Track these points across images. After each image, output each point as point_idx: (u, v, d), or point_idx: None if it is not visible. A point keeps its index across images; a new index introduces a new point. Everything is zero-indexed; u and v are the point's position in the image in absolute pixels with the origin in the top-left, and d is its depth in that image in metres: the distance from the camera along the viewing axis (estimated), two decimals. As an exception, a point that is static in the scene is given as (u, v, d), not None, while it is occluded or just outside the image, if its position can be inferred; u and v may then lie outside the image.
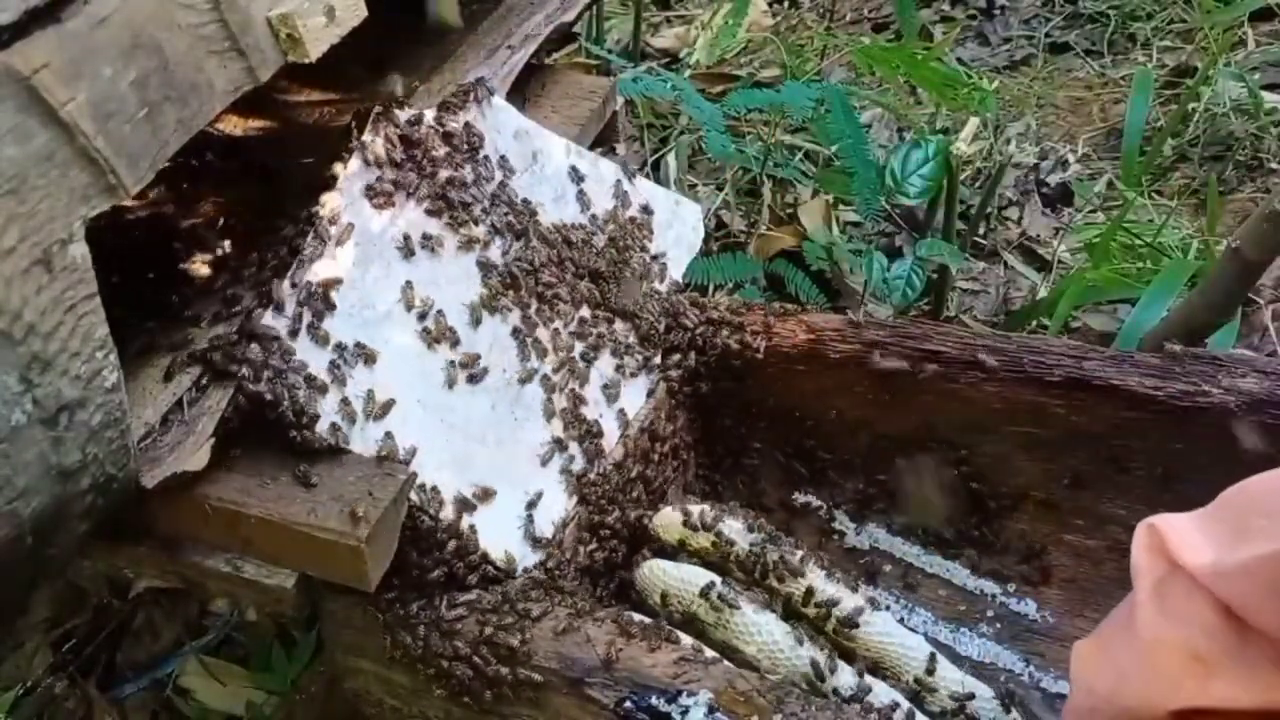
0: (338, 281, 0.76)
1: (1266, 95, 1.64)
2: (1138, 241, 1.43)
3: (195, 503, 0.70)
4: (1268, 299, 1.30)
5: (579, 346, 0.89)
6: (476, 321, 0.83)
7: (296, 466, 0.71)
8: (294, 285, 0.74)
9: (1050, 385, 0.85)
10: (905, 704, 0.75)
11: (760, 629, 0.77)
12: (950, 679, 0.79)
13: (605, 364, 0.90)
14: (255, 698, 1.06)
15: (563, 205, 0.91)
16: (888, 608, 0.86)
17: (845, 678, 0.75)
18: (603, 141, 1.03)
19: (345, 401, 0.74)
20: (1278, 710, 0.56)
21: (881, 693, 0.75)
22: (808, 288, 1.35)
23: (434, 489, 0.76)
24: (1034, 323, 1.35)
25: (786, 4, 2.01)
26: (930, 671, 0.78)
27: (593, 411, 0.88)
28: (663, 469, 0.93)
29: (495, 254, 0.85)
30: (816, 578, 0.81)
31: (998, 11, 1.98)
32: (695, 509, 0.86)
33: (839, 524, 0.96)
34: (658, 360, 0.94)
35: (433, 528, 0.75)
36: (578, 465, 0.86)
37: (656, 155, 1.56)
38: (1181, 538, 0.61)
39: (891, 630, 0.80)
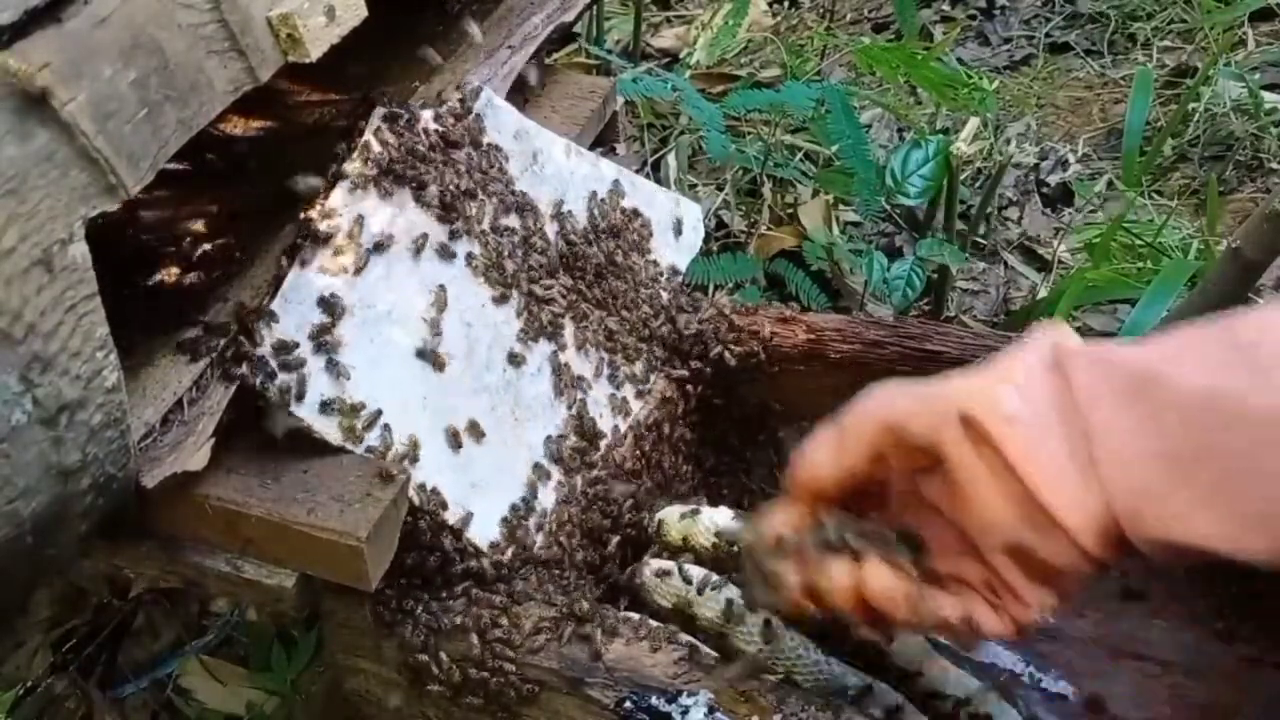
0: (337, 282, 0.76)
1: (1266, 95, 1.64)
2: (1138, 241, 1.43)
3: (195, 503, 0.70)
4: (1267, 299, 1.30)
5: (578, 347, 0.89)
6: (476, 322, 0.83)
7: (301, 466, 0.71)
8: (294, 286, 0.74)
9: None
10: (907, 706, 0.75)
11: (759, 626, 0.77)
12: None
13: (605, 365, 0.90)
14: (255, 698, 1.06)
15: (563, 205, 0.91)
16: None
17: (851, 680, 0.75)
18: (603, 142, 1.03)
19: (345, 401, 0.74)
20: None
21: (881, 693, 0.75)
22: (808, 288, 1.35)
23: (434, 489, 0.76)
24: (1034, 323, 1.35)
25: (786, 4, 2.01)
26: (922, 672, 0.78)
27: (593, 412, 0.88)
28: (663, 469, 0.93)
29: (495, 255, 0.85)
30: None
31: (998, 11, 1.98)
32: (695, 509, 0.86)
33: (839, 524, 0.96)
34: (658, 361, 0.94)
35: (432, 528, 0.76)
36: (578, 466, 0.86)
37: (656, 155, 1.56)
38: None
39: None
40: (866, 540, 0.62)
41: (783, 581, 0.62)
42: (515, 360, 0.84)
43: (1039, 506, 0.54)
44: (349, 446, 0.73)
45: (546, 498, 0.84)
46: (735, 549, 0.83)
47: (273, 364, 0.72)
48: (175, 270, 0.83)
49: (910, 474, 0.62)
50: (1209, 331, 0.53)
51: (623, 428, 0.90)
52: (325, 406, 0.73)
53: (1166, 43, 1.84)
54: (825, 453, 0.62)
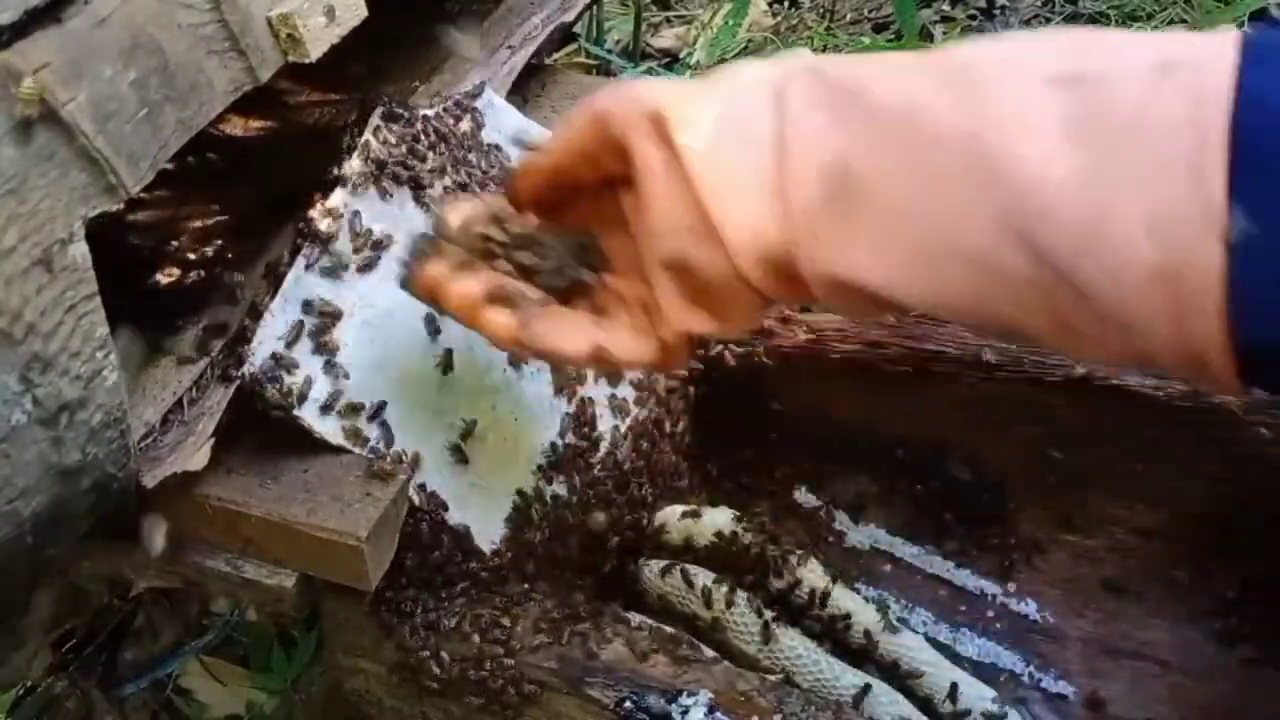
0: (337, 282, 0.76)
1: (1266, 95, 1.64)
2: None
3: (195, 503, 0.70)
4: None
5: (579, 346, 0.89)
6: (476, 321, 0.83)
7: (301, 466, 0.71)
8: (293, 286, 0.74)
9: (1050, 385, 0.85)
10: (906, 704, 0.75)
11: (760, 626, 0.77)
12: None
13: (605, 364, 0.90)
14: (255, 698, 1.07)
15: (563, 205, 0.91)
16: (888, 606, 0.86)
17: (849, 679, 0.76)
18: (603, 142, 1.03)
19: (345, 401, 0.74)
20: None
21: (882, 693, 0.75)
22: (808, 288, 1.35)
23: (433, 490, 0.76)
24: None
25: (786, 4, 2.01)
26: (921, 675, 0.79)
27: (592, 412, 0.88)
28: (663, 470, 0.93)
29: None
30: (815, 575, 0.81)
31: (998, 12, 1.98)
32: (695, 510, 0.86)
33: (839, 524, 0.96)
34: (658, 360, 0.94)
35: (432, 528, 0.76)
36: (578, 466, 0.86)
37: (656, 155, 1.56)
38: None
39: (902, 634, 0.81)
40: (534, 253, 0.61)
41: (427, 263, 0.63)
42: (515, 361, 0.84)
43: (704, 215, 0.51)
44: (349, 446, 0.74)
45: (546, 498, 0.84)
46: (732, 547, 0.83)
47: (272, 364, 0.72)
48: (175, 270, 0.83)
49: (611, 182, 0.58)
50: (930, 54, 0.48)
51: (623, 428, 0.90)
52: (325, 407, 0.73)
53: (1166, 43, 1.84)
54: (545, 146, 0.60)
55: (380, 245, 0.78)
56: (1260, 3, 1.77)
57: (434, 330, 0.80)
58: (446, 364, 0.80)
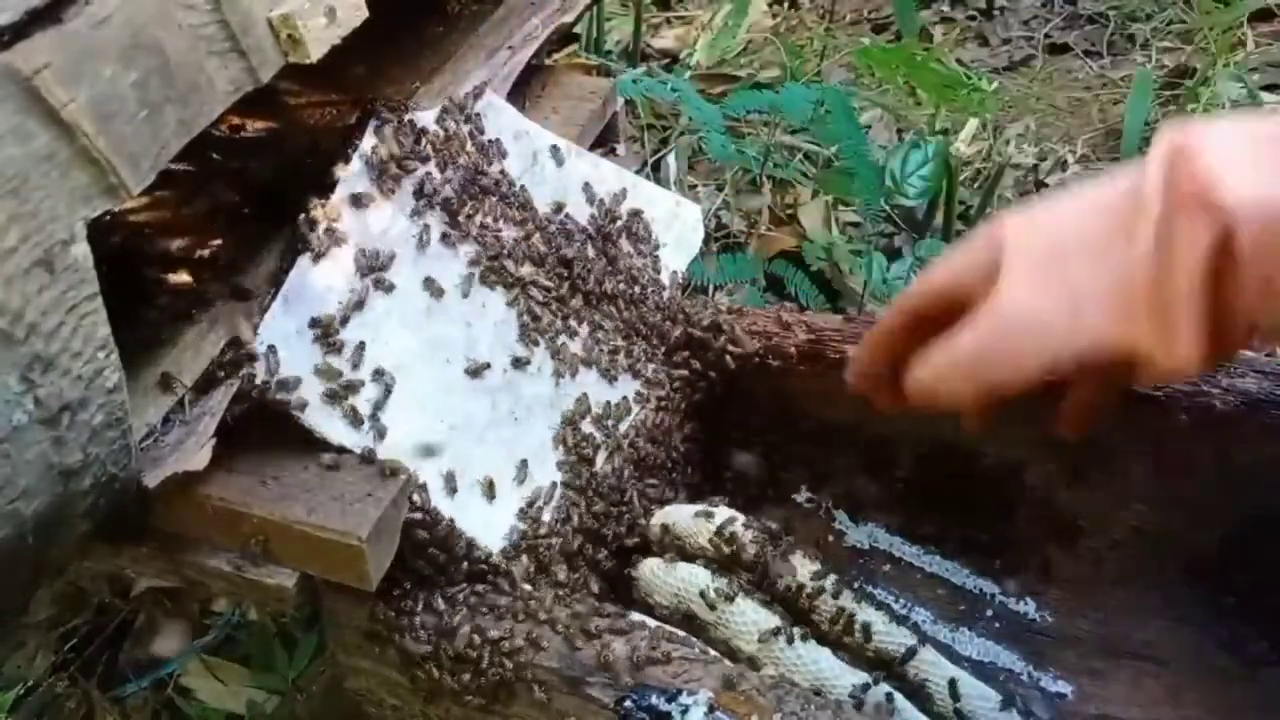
0: (336, 282, 0.76)
1: (1266, 96, 1.64)
2: (1137, 242, 1.43)
3: (196, 503, 0.70)
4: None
5: (579, 347, 0.89)
6: (476, 321, 0.83)
7: (301, 466, 0.71)
8: (294, 286, 0.74)
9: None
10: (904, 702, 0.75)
11: (760, 626, 0.77)
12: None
13: (604, 364, 0.90)
14: (256, 697, 1.07)
15: (562, 206, 0.91)
16: (887, 606, 0.86)
17: (849, 679, 0.76)
18: (603, 142, 1.03)
19: (344, 401, 0.74)
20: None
21: (880, 692, 0.75)
22: (808, 288, 1.35)
23: (434, 490, 0.76)
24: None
25: (786, 4, 2.01)
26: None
27: (592, 412, 0.88)
28: (662, 469, 0.93)
29: (495, 255, 0.85)
30: (813, 574, 0.81)
31: (997, 12, 1.98)
32: (694, 508, 0.86)
33: (839, 523, 0.96)
34: (658, 361, 0.94)
35: (432, 528, 0.76)
36: (577, 466, 0.86)
37: (656, 156, 1.56)
38: (1220, 162, 0.51)
39: (891, 629, 0.81)
40: None
41: None
42: (515, 360, 0.84)
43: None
44: (349, 446, 0.74)
45: (547, 497, 0.84)
46: (732, 546, 0.83)
47: (272, 364, 0.72)
48: (175, 270, 0.83)
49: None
50: None
51: (623, 428, 0.90)
52: (325, 407, 0.73)
53: (1166, 43, 1.85)
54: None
55: (380, 246, 0.79)
56: (1260, 3, 1.78)
57: (434, 330, 0.80)
58: (448, 363, 0.80)
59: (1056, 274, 0.57)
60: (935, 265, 0.66)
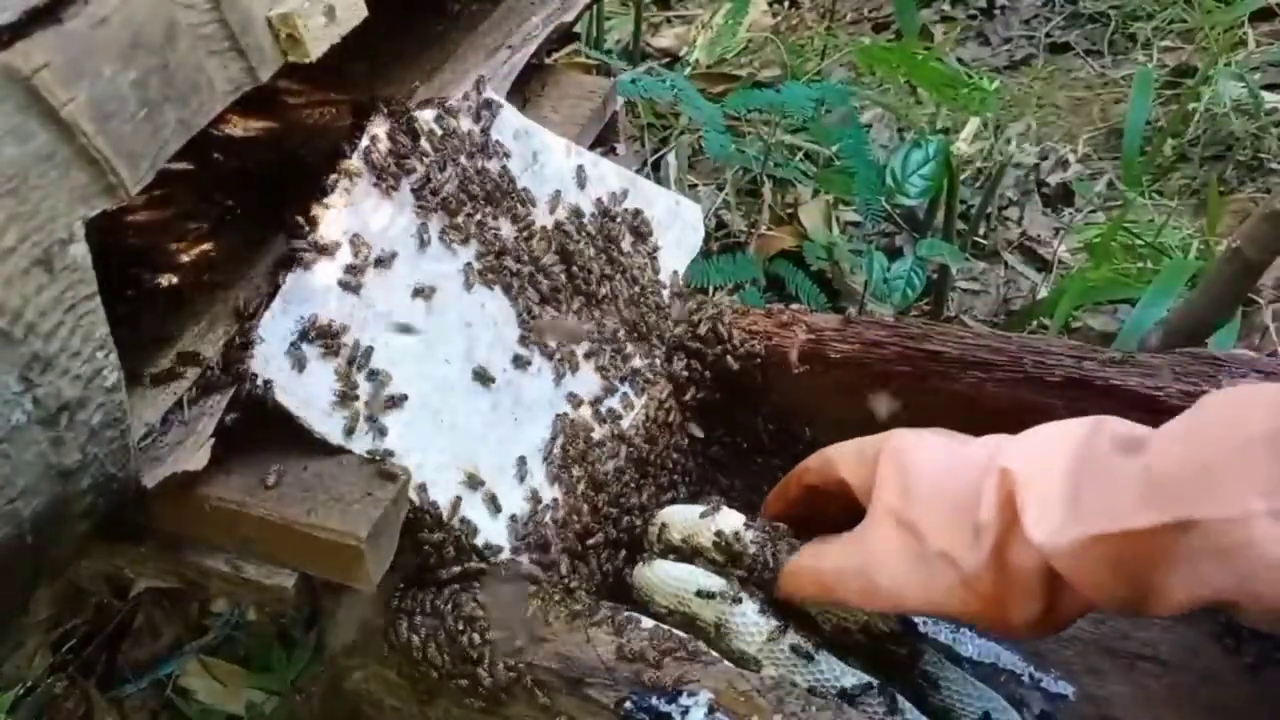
0: (335, 282, 0.76)
1: (1267, 95, 1.64)
2: (1138, 241, 1.43)
3: (195, 503, 0.70)
4: (1268, 299, 1.30)
5: (578, 347, 0.89)
6: (476, 321, 0.83)
7: (301, 466, 0.71)
8: (293, 286, 0.74)
9: (1051, 385, 0.85)
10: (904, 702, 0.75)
11: (761, 627, 0.77)
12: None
13: (605, 364, 0.90)
14: (255, 698, 1.06)
15: (563, 206, 0.91)
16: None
17: (849, 679, 0.75)
18: (603, 141, 1.03)
19: (344, 401, 0.74)
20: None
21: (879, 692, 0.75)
22: (808, 288, 1.35)
23: (434, 490, 0.76)
24: (1034, 323, 1.35)
25: (786, 4, 2.01)
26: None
27: (592, 412, 0.88)
28: (662, 470, 0.93)
29: (496, 254, 0.85)
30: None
31: (998, 11, 1.98)
32: (695, 508, 0.85)
33: (839, 524, 0.96)
34: (657, 361, 0.94)
35: (432, 528, 0.76)
36: (579, 466, 0.86)
37: (656, 155, 1.56)
38: (1032, 497, 0.62)
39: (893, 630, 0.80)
40: None
41: None
42: (515, 360, 0.84)
43: None
44: (349, 446, 0.73)
45: (546, 498, 0.84)
46: (733, 547, 0.83)
47: (271, 364, 0.72)
48: (175, 270, 0.83)
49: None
50: None
51: (622, 428, 0.90)
52: (325, 407, 0.73)
53: (1167, 43, 1.85)
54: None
55: (379, 246, 0.78)
56: (1260, 2, 1.78)
57: (433, 330, 0.80)
58: (447, 363, 0.80)
59: (919, 519, 0.68)
60: (833, 454, 0.77)
